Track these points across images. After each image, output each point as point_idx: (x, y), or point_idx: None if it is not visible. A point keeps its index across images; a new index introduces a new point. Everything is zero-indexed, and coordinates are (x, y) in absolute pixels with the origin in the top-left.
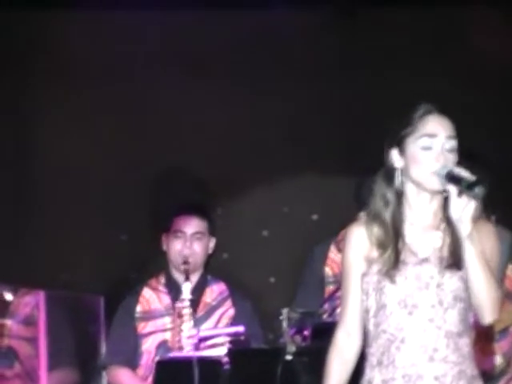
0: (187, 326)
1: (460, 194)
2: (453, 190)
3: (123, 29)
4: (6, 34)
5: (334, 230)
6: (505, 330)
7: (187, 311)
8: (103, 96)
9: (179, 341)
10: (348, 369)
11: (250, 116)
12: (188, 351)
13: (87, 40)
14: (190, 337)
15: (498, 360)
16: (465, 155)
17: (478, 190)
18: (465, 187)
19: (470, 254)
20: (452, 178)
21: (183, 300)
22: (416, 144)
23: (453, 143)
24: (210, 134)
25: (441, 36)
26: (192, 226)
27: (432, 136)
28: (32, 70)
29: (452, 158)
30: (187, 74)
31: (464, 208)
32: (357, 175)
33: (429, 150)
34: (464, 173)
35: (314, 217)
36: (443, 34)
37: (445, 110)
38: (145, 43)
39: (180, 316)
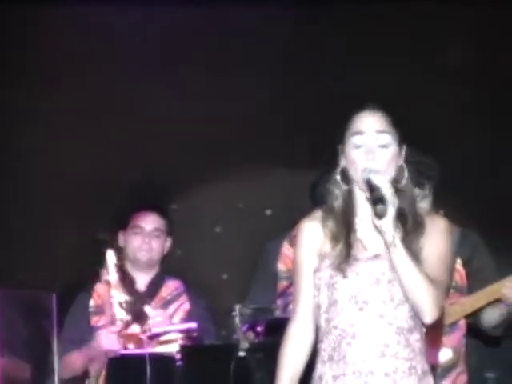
0: (116, 293)
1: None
2: (369, 198)
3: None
4: None
5: (287, 225)
6: (455, 324)
7: (114, 277)
8: (66, 96)
9: (111, 308)
10: (300, 364)
11: (204, 112)
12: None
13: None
14: (121, 303)
15: (449, 354)
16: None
17: (379, 209)
18: (371, 200)
19: (395, 261)
20: (368, 185)
21: (107, 267)
22: (349, 143)
23: (384, 138)
24: (164, 131)
25: (402, 31)
26: (151, 222)
27: (360, 133)
28: None
29: (384, 153)
30: (144, 72)
31: (381, 217)
32: (311, 171)
33: (359, 147)
34: (377, 185)
35: (268, 212)
36: (406, 30)
37: (380, 107)
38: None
39: (107, 284)
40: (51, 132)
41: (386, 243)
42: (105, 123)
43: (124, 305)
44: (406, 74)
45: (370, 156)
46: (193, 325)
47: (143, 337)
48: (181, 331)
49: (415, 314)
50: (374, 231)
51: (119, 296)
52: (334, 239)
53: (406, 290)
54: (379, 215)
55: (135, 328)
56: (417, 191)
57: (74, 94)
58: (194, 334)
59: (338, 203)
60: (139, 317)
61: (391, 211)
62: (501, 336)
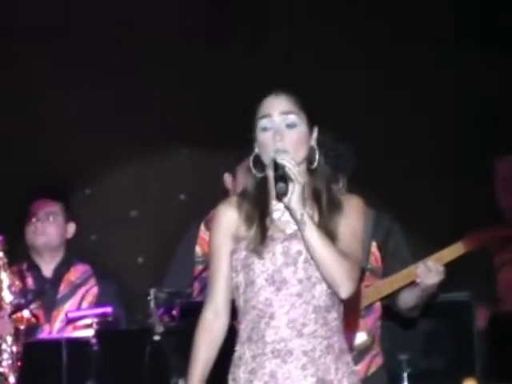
0: (5, 276)
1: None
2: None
3: None
4: None
5: (202, 209)
6: (370, 306)
7: (1, 261)
8: None
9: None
10: (215, 348)
11: (118, 95)
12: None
13: None
14: (10, 286)
15: (364, 336)
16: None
17: (279, 188)
18: (274, 179)
19: (305, 237)
20: (273, 165)
21: None
22: (258, 127)
23: (291, 118)
24: (77, 114)
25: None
26: (44, 207)
27: (266, 116)
28: None
29: (292, 133)
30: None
31: (290, 194)
32: (226, 154)
33: (266, 130)
34: (282, 163)
35: (182, 196)
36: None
37: (282, 90)
38: None
39: None
40: None
41: (295, 221)
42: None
43: (13, 288)
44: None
45: (278, 137)
46: (108, 309)
47: (32, 319)
48: (96, 315)
49: (332, 293)
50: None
51: (7, 279)
52: (249, 221)
53: (319, 266)
54: (279, 194)
55: (25, 312)
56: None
57: None
58: (110, 319)
59: (251, 189)
60: (46, 302)
61: (296, 189)
62: (415, 317)
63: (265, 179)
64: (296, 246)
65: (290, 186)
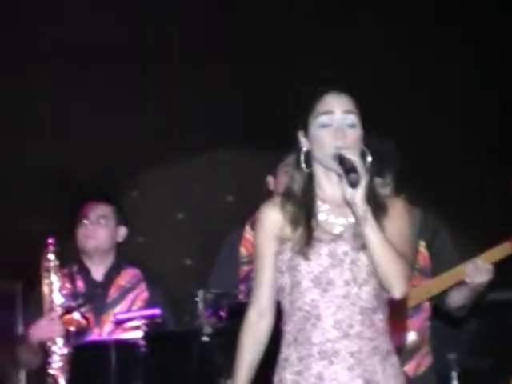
0: (55, 278)
1: (344, 177)
2: (340, 172)
3: None
4: None
5: (249, 210)
6: (418, 307)
7: (52, 264)
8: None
9: (51, 295)
10: (261, 348)
11: (163, 100)
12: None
13: None
14: (60, 288)
15: (413, 336)
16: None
17: (352, 178)
18: (344, 172)
19: (366, 235)
20: (339, 160)
21: (47, 255)
22: (315, 123)
23: (352, 118)
24: (124, 118)
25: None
26: (95, 209)
27: (328, 113)
28: None
29: (353, 133)
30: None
31: (354, 190)
32: (271, 156)
33: (326, 127)
34: (349, 157)
35: (229, 198)
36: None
37: (344, 89)
38: None
39: (47, 270)
40: None
41: (357, 216)
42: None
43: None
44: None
45: (340, 135)
46: (156, 311)
47: (83, 321)
48: (144, 318)
49: (378, 294)
50: (335, 213)
51: (58, 282)
52: (294, 223)
53: (377, 264)
54: (353, 184)
55: (76, 314)
56: (378, 180)
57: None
58: (158, 320)
59: (298, 187)
60: (95, 306)
61: (363, 182)
62: (464, 317)
63: (310, 178)
64: (342, 248)
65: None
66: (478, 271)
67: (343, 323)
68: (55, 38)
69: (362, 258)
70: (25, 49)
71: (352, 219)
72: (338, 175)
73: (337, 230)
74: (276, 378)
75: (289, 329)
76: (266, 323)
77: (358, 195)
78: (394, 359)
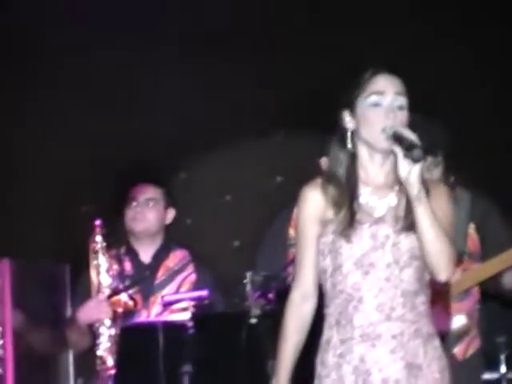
0: (103, 260)
1: (404, 155)
2: (398, 150)
3: None
4: None
5: (298, 191)
6: (467, 290)
7: (100, 245)
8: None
9: (98, 277)
10: (305, 329)
11: (207, 80)
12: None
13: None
14: (108, 270)
15: (462, 320)
16: (421, 118)
17: (416, 154)
18: (405, 149)
19: (419, 214)
20: (396, 138)
21: (95, 237)
22: (365, 103)
23: (402, 100)
24: (167, 100)
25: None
26: (144, 192)
27: (380, 93)
28: None
29: (402, 115)
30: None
31: (410, 169)
32: (319, 136)
33: (378, 106)
34: (408, 134)
35: (278, 179)
36: None
37: (394, 71)
38: None
39: (95, 252)
40: (40, 110)
41: (411, 196)
42: (101, 101)
43: (111, 272)
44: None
45: (391, 115)
46: (204, 293)
47: (131, 302)
48: (192, 299)
49: (420, 277)
50: (377, 195)
51: (106, 263)
52: (337, 205)
53: (426, 245)
54: (416, 159)
55: (124, 296)
56: (430, 159)
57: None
58: (206, 302)
59: (341, 168)
60: (143, 287)
61: (425, 158)
62: None
63: (353, 159)
64: (384, 230)
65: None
66: None
67: (385, 306)
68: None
69: (404, 240)
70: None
71: (393, 202)
72: (396, 152)
73: (378, 213)
74: (318, 360)
75: (331, 311)
76: (310, 305)
77: (414, 174)
78: (436, 342)
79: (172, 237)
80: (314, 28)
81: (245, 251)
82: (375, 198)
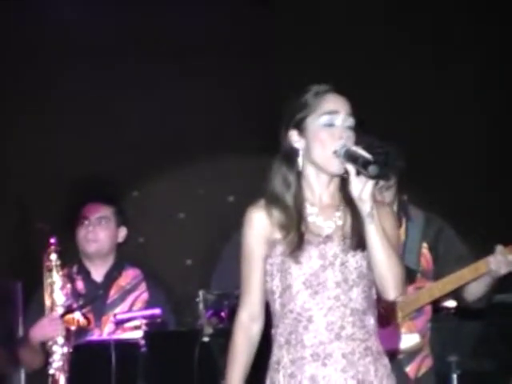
0: (57, 278)
1: (358, 173)
2: (351, 169)
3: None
4: None
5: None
6: (420, 309)
7: (54, 263)
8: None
9: (52, 294)
10: (253, 350)
11: (163, 100)
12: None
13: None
14: (62, 288)
15: (416, 338)
16: (376, 137)
17: (372, 169)
18: (360, 166)
19: (370, 232)
20: (350, 156)
21: (49, 254)
22: (318, 122)
23: (352, 121)
24: (123, 120)
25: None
26: (95, 211)
27: (333, 113)
28: None
29: (351, 135)
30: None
31: (363, 187)
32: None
33: (331, 126)
34: (361, 151)
35: (230, 198)
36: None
37: (339, 90)
38: None
39: (49, 270)
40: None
41: (363, 214)
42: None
43: (65, 290)
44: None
45: (344, 135)
46: (157, 311)
47: (84, 321)
48: (145, 317)
49: (368, 296)
50: (323, 215)
51: (59, 281)
52: (284, 228)
53: (376, 263)
54: (373, 175)
55: (77, 314)
56: (382, 182)
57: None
58: (158, 320)
59: (290, 189)
60: (95, 307)
61: (370, 182)
62: (482, 309)
63: (299, 178)
64: (332, 249)
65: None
66: (503, 263)
67: (335, 325)
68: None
69: (351, 259)
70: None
71: (340, 221)
72: (357, 171)
73: (325, 232)
74: (268, 381)
75: (280, 331)
76: (258, 326)
77: (367, 191)
78: (386, 360)
79: (124, 255)
80: None
81: (197, 269)
82: (322, 218)
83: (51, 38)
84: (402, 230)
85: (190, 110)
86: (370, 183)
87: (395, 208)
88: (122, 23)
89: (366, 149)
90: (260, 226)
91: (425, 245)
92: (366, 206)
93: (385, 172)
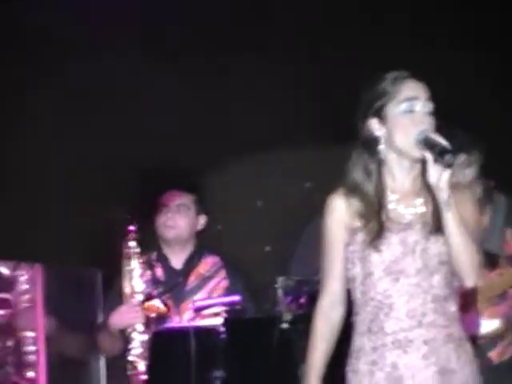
0: (136, 265)
1: (435, 160)
2: (429, 156)
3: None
4: None
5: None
6: (503, 294)
7: (133, 250)
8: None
9: (131, 282)
10: (334, 336)
11: (241, 88)
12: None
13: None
14: (141, 275)
15: (496, 324)
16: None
17: (448, 158)
18: (437, 154)
19: (448, 220)
20: (427, 143)
21: (128, 242)
22: (398, 109)
23: (431, 106)
24: (199, 109)
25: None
26: (175, 198)
27: (413, 99)
28: None
29: (431, 120)
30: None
31: (440, 174)
32: (349, 142)
33: (411, 112)
34: (439, 139)
35: (307, 185)
36: None
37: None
38: None
39: (128, 257)
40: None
41: (441, 201)
42: (136, 109)
43: (144, 278)
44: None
45: (425, 120)
46: (236, 298)
47: (163, 308)
48: (224, 304)
49: (449, 282)
50: (404, 202)
51: (139, 269)
52: (365, 215)
53: (454, 251)
54: (448, 164)
55: (156, 301)
56: (463, 157)
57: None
58: (237, 307)
59: (370, 177)
60: (174, 294)
61: (456, 162)
62: None
63: (379, 166)
64: (413, 236)
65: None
66: None
67: (416, 312)
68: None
69: (432, 246)
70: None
71: (421, 208)
72: (426, 159)
73: (406, 219)
74: (349, 368)
75: (361, 319)
76: (338, 313)
77: (444, 179)
78: (468, 346)
79: (203, 243)
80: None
81: (276, 256)
82: (403, 206)
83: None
84: (486, 215)
85: (266, 98)
86: (447, 171)
87: (479, 192)
88: None
89: (444, 136)
90: (340, 213)
91: (509, 230)
92: (442, 194)
93: (463, 153)
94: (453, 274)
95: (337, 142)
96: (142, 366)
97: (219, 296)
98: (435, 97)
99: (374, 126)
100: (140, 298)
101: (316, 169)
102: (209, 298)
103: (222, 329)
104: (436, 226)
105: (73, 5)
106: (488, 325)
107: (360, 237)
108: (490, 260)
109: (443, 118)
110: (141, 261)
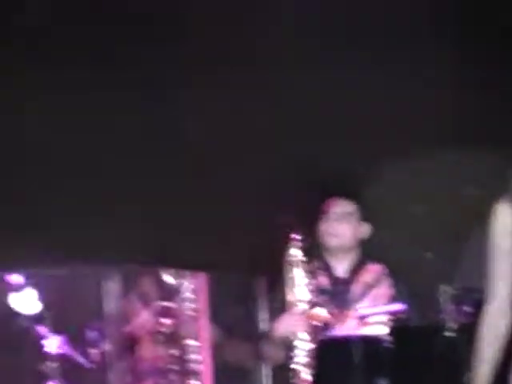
0: (300, 273)
1: None
2: None
3: None
4: None
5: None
6: None
7: (296, 258)
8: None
9: (294, 290)
10: (500, 345)
11: (389, 90)
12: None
13: None
14: (305, 283)
15: None
16: None
17: None
18: None
19: None
20: None
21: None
22: None
23: None
24: (368, 112)
25: None
26: (337, 206)
27: None
28: None
29: None
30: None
31: None
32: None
33: None
34: None
35: (469, 190)
36: None
37: None
38: None
39: (291, 265)
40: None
41: None
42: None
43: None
44: None
45: None
46: (400, 306)
47: (327, 316)
48: (388, 313)
49: None
50: None
51: (303, 277)
52: None
53: None
54: None
55: (321, 310)
56: None
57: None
58: (402, 316)
59: None
60: (338, 302)
61: None
62: None
63: None
64: None
65: None
66: None
67: None
68: None
69: None
70: None
71: None
72: None
73: None
74: None
75: None
76: (506, 320)
77: None
78: None
79: (366, 251)
80: None
81: (439, 263)
82: None
83: None
84: None
85: (420, 101)
86: None
87: None
88: None
89: None
90: (506, 221)
91: None
92: None
93: None
94: None
95: (503, 146)
96: (305, 374)
97: (383, 304)
98: None
99: None
100: (303, 306)
101: (477, 174)
102: (373, 306)
103: (388, 337)
104: None
105: None
106: None
107: None
108: None
109: None
110: (304, 269)
